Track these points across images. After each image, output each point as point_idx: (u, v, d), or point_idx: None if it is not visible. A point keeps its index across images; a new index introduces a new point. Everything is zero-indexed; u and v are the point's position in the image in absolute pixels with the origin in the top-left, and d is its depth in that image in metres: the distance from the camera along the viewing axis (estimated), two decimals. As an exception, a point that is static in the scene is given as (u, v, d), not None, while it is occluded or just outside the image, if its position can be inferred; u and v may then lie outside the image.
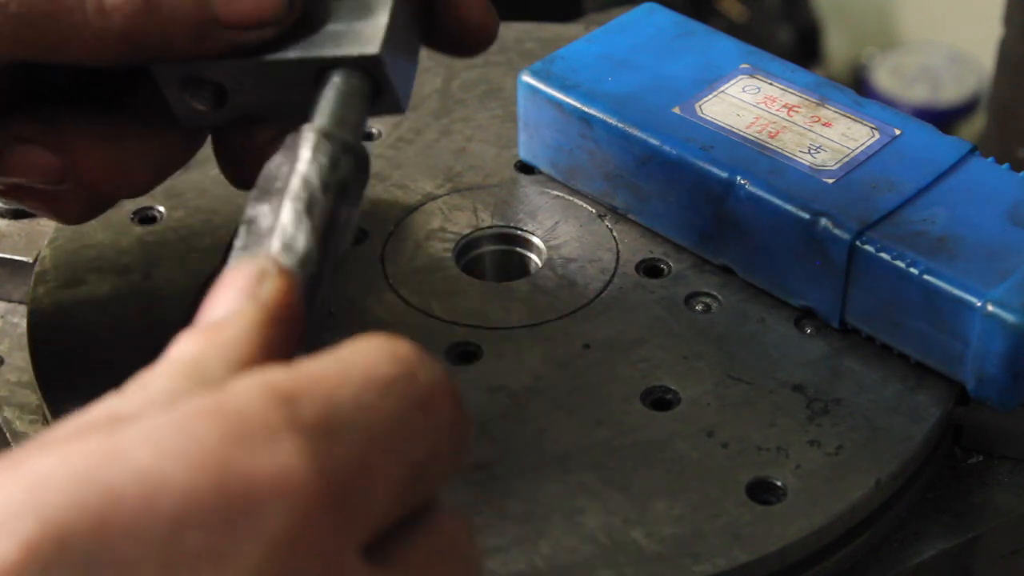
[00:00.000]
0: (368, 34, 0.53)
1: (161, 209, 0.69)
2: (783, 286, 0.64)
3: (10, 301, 0.68)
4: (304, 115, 0.50)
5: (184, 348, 0.39)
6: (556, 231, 0.68)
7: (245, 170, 0.57)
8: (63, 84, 0.58)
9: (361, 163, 0.48)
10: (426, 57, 0.79)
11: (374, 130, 0.74)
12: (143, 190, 0.59)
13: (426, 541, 0.39)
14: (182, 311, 0.58)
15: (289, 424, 0.36)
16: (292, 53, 0.53)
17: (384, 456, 0.37)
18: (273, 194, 0.45)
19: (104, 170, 0.57)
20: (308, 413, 0.36)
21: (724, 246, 0.65)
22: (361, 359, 0.38)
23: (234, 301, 0.40)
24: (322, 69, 0.52)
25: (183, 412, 0.35)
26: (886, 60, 2.05)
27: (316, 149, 0.47)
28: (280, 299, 0.41)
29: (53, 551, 0.32)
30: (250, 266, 0.42)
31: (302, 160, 0.46)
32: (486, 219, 0.69)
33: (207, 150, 0.70)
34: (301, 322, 0.41)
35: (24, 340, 0.65)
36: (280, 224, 0.44)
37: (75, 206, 0.58)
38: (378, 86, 0.53)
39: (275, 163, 0.47)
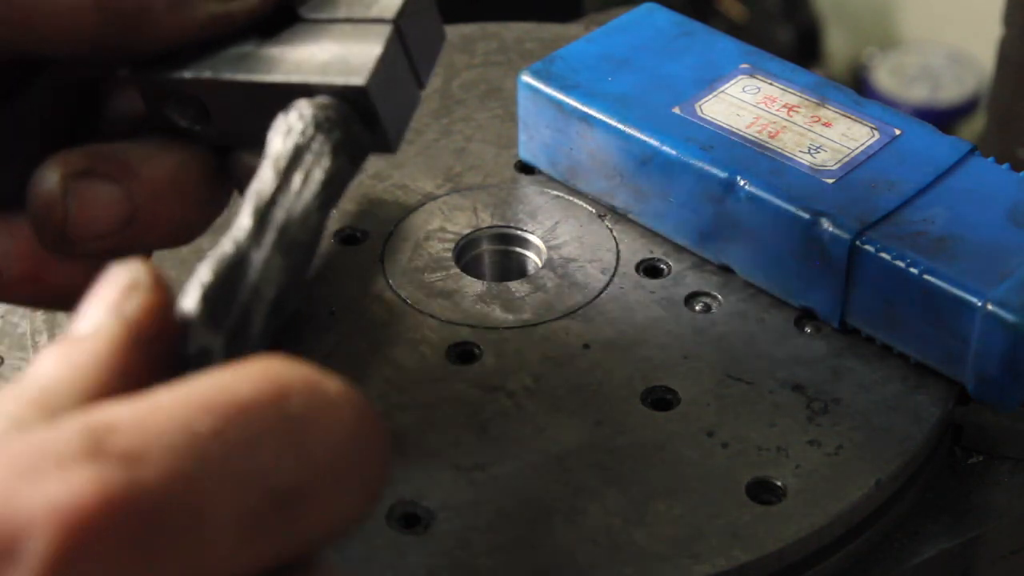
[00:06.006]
0: (358, 63, 0.48)
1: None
2: (783, 286, 0.64)
3: (10, 301, 0.68)
4: None
5: (40, 371, 0.36)
6: (556, 231, 0.68)
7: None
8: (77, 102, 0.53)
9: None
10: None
11: (374, 130, 0.74)
12: (200, 229, 0.53)
13: None
14: None
15: (88, 453, 0.32)
16: (273, 76, 0.49)
17: (221, 482, 0.32)
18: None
19: (171, 201, 0.50)
20: (119, 441, 0.32)
21: (724, 246, 0.65)
22: (218, 383, 0.34)
23: (98, 314, 0.37)
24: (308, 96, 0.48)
25: None
26: (886, 60, 2.04)
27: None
28: (144, 317, 0.37)
29: None
30: (122, 275, 0.38)
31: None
32: (486, 219, 0.69)
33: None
34: (169, 340, 0.38)
35: (24, 340, 0.65)
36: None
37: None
38: (365, 120, 0.48)
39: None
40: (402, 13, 0.49)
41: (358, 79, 0.47)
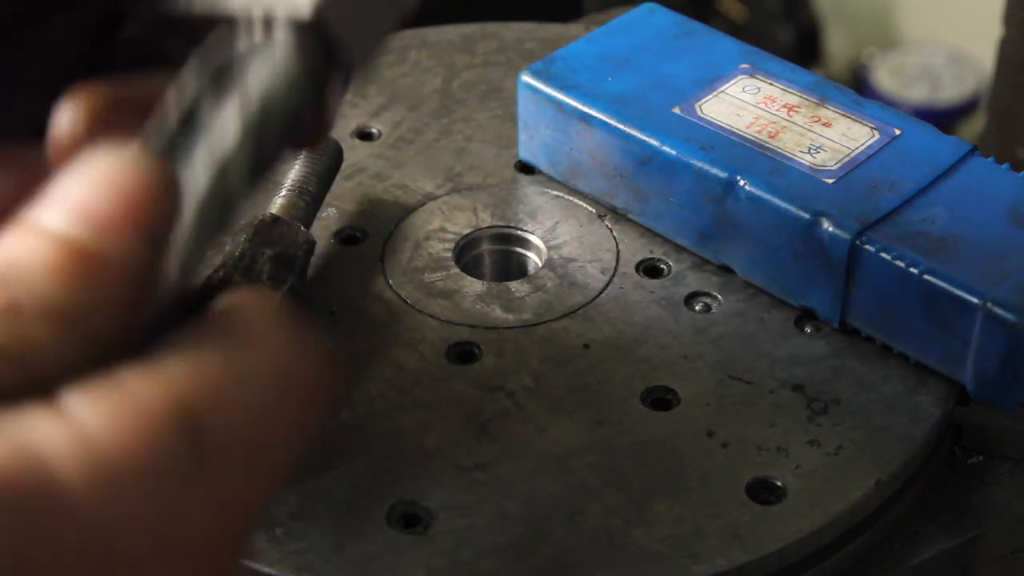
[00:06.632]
0: None
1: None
2: (783, 286, 0.64)
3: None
4: None
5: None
6: (556, 231, 0.68)
7: None
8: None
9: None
10: (426, 57, 0.79)
11: (374, 130, 0.74)
12: None
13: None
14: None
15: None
16: (234, 5, 0.48)
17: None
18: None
19: None
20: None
21: (724, 246, 0.65)
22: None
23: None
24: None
25: None
26: (886, 60, 2.04)
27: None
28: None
29: None
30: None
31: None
32: (486, 219, 0.69)
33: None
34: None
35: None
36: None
37: None
38: (325, 46, 0.47)
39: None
40: None
41: (304, 10, 0.46)
